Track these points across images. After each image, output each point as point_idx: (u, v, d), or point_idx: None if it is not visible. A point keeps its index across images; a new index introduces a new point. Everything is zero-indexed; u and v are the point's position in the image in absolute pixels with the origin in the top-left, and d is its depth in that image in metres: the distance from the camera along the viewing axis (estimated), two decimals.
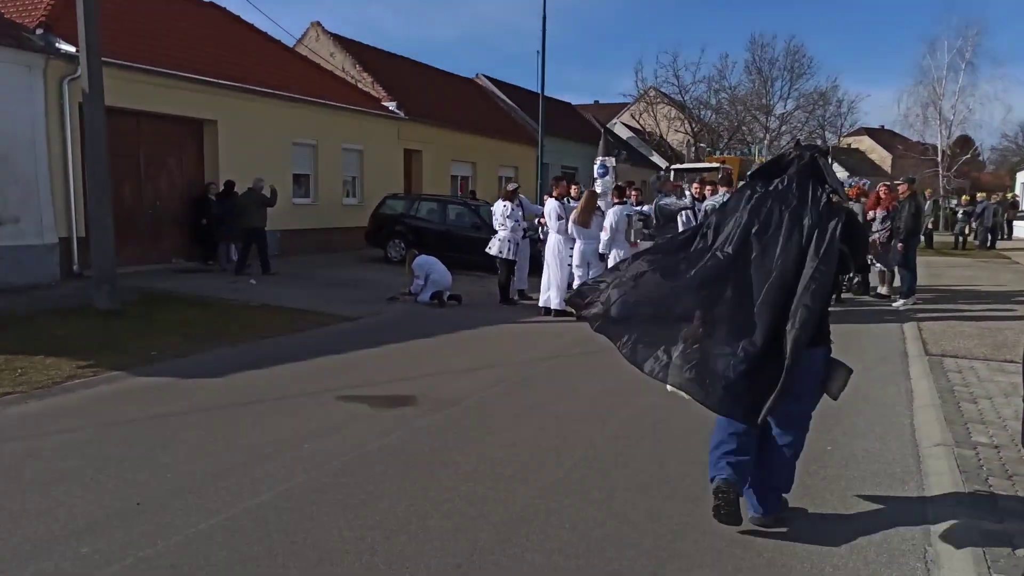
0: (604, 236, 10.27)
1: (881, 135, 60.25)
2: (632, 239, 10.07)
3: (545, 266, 10.48)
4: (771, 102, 41.38)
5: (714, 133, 39.13)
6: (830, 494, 4.14)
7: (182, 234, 14.51)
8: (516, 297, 11.89)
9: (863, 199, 12.50)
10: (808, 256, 3.29)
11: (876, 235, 11.73)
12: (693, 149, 29.07)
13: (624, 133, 43.10)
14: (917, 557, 3.44)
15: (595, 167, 10.98)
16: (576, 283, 10.14)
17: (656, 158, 40.06)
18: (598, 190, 10.88)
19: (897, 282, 11.93)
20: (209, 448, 4.83)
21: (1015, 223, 29.36)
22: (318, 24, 22.46)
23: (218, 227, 14.04)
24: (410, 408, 5.80)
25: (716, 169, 18.40)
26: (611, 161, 10.91)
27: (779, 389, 3.19)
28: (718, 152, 30.83)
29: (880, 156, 60.04)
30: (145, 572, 3.24)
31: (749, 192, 3.54)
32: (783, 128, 42.23)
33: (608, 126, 41.46)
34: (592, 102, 50.39)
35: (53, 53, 10.96)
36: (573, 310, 9.72)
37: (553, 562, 3.34)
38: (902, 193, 11.60)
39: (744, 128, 40.21)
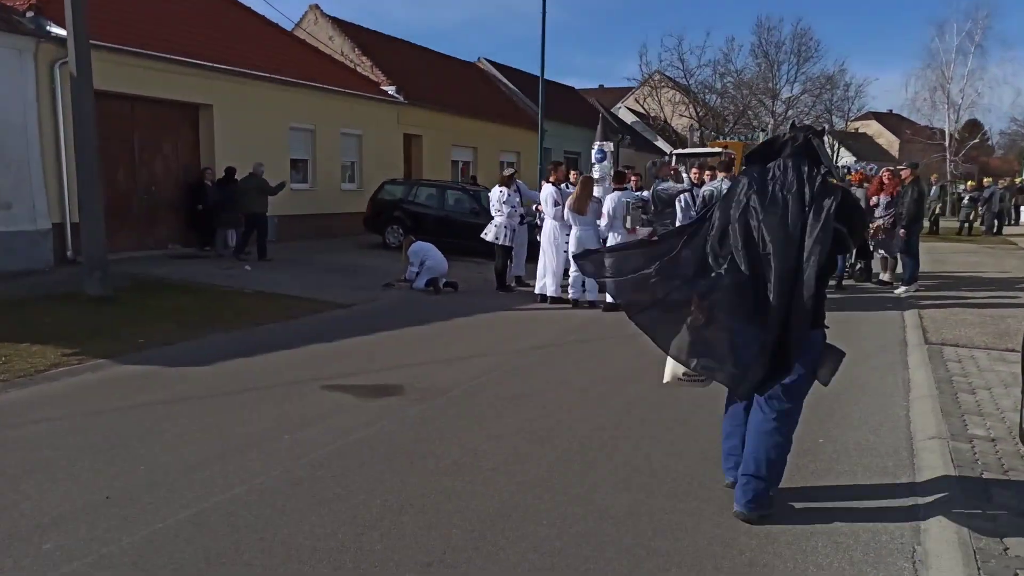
0: (602, 222, 10.11)
1: (889, 119, 59.64)
2: (629, 225, 9.90)
3: (541, 253, 10.34)
4: (777, 86, 40.94)
5: (719, 117, 38.72)
6: (818, 488, 4.02)
7: (178, 220, 14.39)
8: (513, 284, 11.78)
9: (866, 184, 12.31)
10: (806, 236, 3.31)
11: (880, 221, 11.54)
12: (697, 134, 28.72)
13: (628, 118, 42.73)
14: (905, 557, 3.32)
15: (593, 152, 10.79)
16: (572, 270, 10.02)
17: (661, 143, 39.71)
18: (596, 175, 10.69)
19: (900, 269, 11.76)
20: (188, 439, 4.74)
21: (1023, 208, 29.03)
22: (316, 7, 22.22)
23: (218, 213, 13.94)
24: (396, 398, 5.70)
25: (719, 154, 18.18)
26: (609, 146, 10.71)
27: (775, 366, 3.30)
28: (723, 137, 30.50)
29: (888, 141, 59.46)
30: (106, 569, 3.15)
31: (747, 178, 3.54)
32: (789, 112, 41.77)
33: (612, 110, 41.14)
34: (597, 86, 50.01)
35: (44, 36, 10.82)
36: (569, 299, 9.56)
37: (527, 561, 3.24)
38: (905, 178, 11.40)
39: (750, 112, 39.79)
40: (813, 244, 3.29)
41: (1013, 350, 7.07)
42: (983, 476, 4.06)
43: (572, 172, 11.37)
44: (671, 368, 3.84)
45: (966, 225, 24.11)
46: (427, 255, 11.25)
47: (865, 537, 3.48)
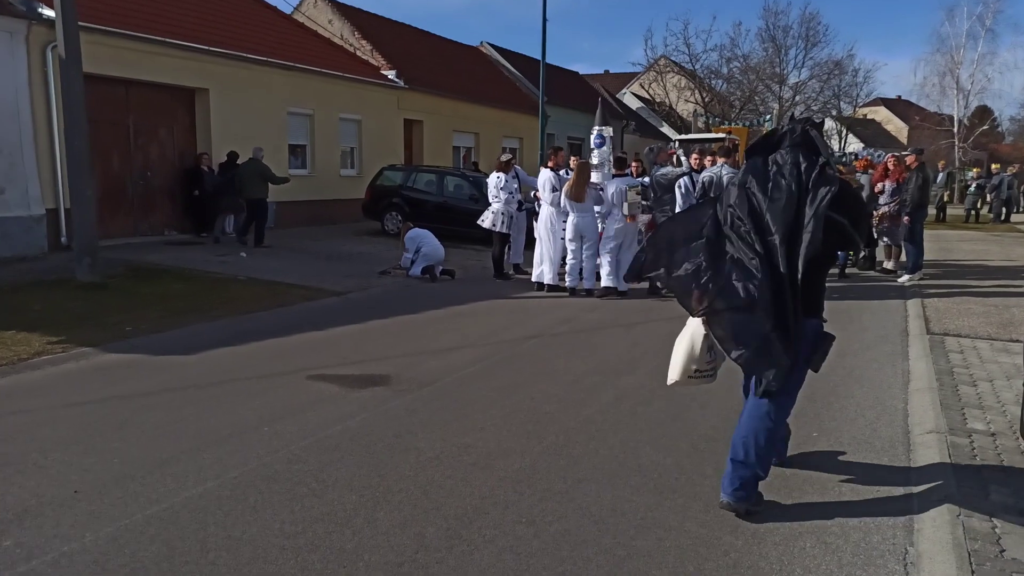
0: (600, 208, 9.95)
1: (897, 105, 59.05)
2: (627, 212, 9.73)
3: (537, 240, 10.18)
4: (785, 71, 40.52)
5: (725, 103, 38.36)
6: (809, 485, 3.88)
7: (174, 206, 14.28)
8: (511, 271, 11.63)
9: (870, 171, 12.09)
10: (802, 225, 3.34)
11: (885, 208, 11.34)
12: (702, 119, 28.40)
13: (634, 103, 42.39)
14: (897, 559, 3.19)
15: (591, 137, 10.59)
16: (569, 258, 9.86)
17: (666, 128, 39.40)
18: (595, 161, 10.50)
19: (904, 257, 11.56)
20: (164, 431, 4.63)
21: None
22: None
23: (219, 198, 13.83)
24: (382, 389, 5.58)
25: (722, 139, 17.97)
26: (608, 131, 10.51)
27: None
28: (730, 123, 30.19)
29: (896, 127, 58.89)
30: (65, 569, 3.04)
31: (748, 170, 3.59)
32: (797, 98, 41.39)
33: (617, 96, 40.80)
34: (602, 72, 49.62)
35: (35, 19, 10.66)
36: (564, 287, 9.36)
37: (501, 562, 3.11)
38: (910, 164, 11.18)
39: (757, 98, 39.40)
40: (805, 233, 3.31)
41: (1017, 340, 6.91)
42: (981, 473, 3.92)
43: (572, 158, 11.19)
44: (682, 366, 3.75)
45: (972, 212, 23.80)
46: (423, 242, 11.11)
47: (856, 537, 3.35)
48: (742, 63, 38.82)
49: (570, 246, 9.81)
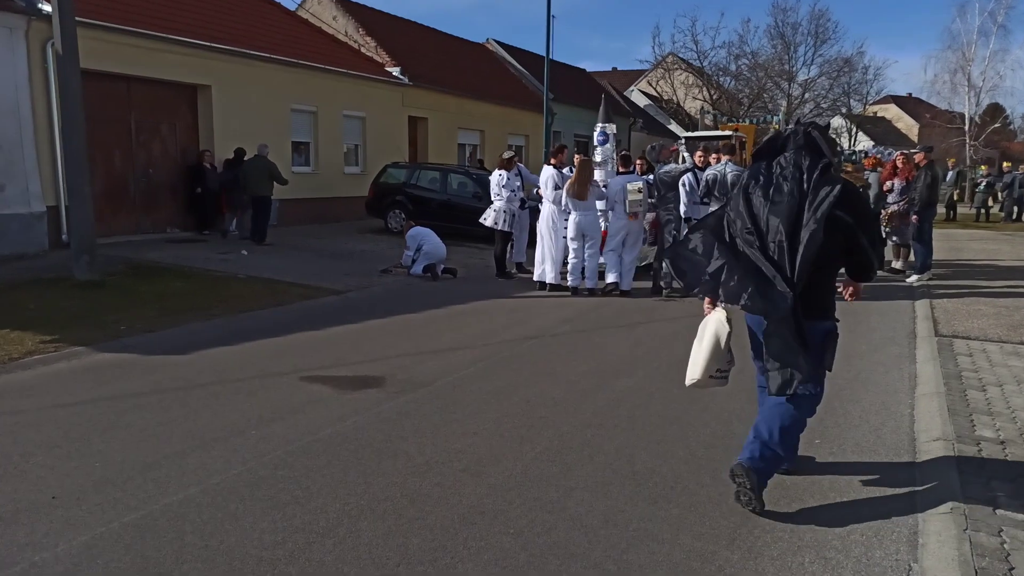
0: (602, 206, 9.84)
1: (908, 103, 58.57)
2: (628, 210, 9.60)
3: (539, 238, 10.05)
4: (794, 68, 40.23)
5: (734, 100, 38.12)
6: (810, 495, 3.74)
7: (176, 203, 14.22)
8: (513, 270, 11.51)
9: (879, 169, 11.90)
10: (804, 224, 3.37)
11: (894, 206, 11.16)
12: (709, 116, 28.18)
13: (641, 100, 42.17)
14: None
15: (595, 134, 10.45)
16: (571, 257, 9.73)
17: (674, 126, 39.17)
18: (598, 158, 10.37)
19: (913, 257, 11.37)
20: (151, 434, 4.53)
21: None
22: None
23: (228, 194, 13.80)
24: (375, 391, 5.46)
25: (729, 137, 17.77)
26: (611, 128, 10.37)
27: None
28: (737, 120, 29.95)
29: (907, 125, 58.41)
30: None
31: (754, 174, 3.64)
32: (806, 95, 41.12)
33: (625, 93, 40.60)
34: (610, 69, 49.39)
35: (35, 14, 10.59)
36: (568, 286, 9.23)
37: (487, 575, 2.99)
38: (919, 162, 10.99)
39: (765, 95, 39.14)
40: (804, 231, 3.34)
41: None
42: (990, 484, 3.77)
43: (577, 156, 11.05)
44: (705, 365, 3.73)
45: (982, 211, 23.50)
46: (424, 240, 10.99)
47: (857, 552, 3.21)
48: (750, 60, 38.60)
49: (572, 245, 9.68)
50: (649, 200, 10.10)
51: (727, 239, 3.59)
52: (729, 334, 3.67)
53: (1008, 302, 9.16)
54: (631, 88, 43.34)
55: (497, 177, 10.83)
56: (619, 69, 48.78)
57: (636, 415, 4.94)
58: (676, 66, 38.42)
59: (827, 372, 3.59)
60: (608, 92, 33.76)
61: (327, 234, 15.34)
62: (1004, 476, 3.87)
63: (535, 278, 10.23)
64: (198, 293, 9.17)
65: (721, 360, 3.72)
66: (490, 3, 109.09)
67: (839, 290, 3.70)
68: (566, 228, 9.75)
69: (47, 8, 10.73)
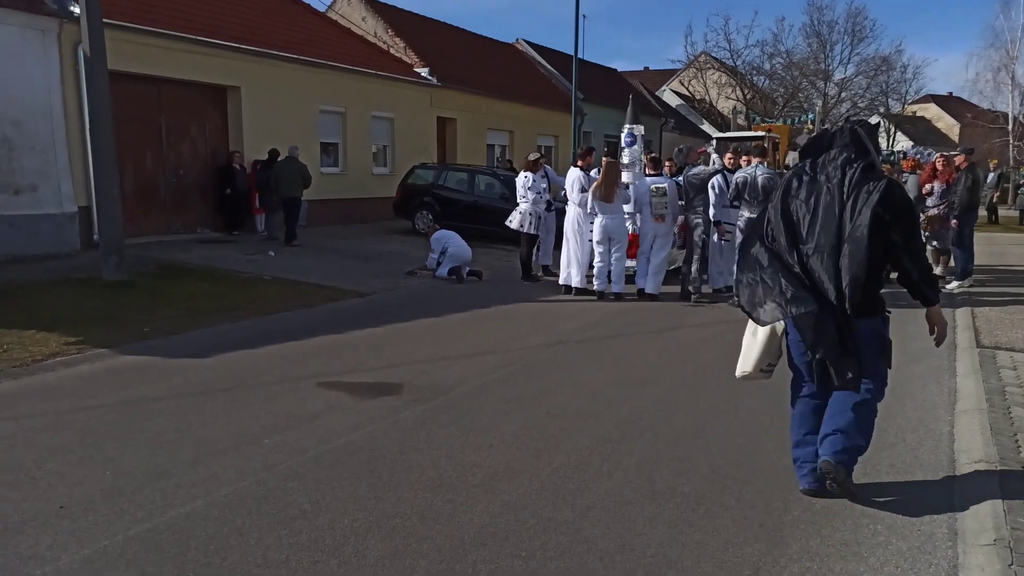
0: (628, 208, 9.66)
1: (949, 102, 57.14)
2: (654, 212, 9.40)
3: (564, 241, 9.90)
4: (830, 67, 39.50)
5: (768, 100, 37.52)
6: (840, 520, 3.54)
7: (207, 204, 14.33)
8: (539, 273, 11.37)
9: (918, 171, 11.52)
10: (848, 224, 3.39)
11: (934, 210, 10.78)
12: (741, 116, 27.72)
13: (673, 100, 41.72)
14: None
15: (622, 135, 10.26)
16: (597, 260, 9.56)
17: (706, 126, 38.69)
18: (625, 160, 10.16)
19: (953, 262, 10.99)
20: (165, 440, 4.48)
21: None
22: None
23: (263, 195, 13.90)
24: (392, 398, 5.36)
25: (762, 138, 17.43)
26: (639, 129, 10.15)
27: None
28: (772, 120, 29.44)
29: (947, 124, 57.00)
30: None
31: (799, 172, 3.62)
32: (843, 95, 40.35)
33: (657, 93, 40.19)
34: (642, 68, 48.95)
35: (67, 17, 10.70)
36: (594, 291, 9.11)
37: None
38: (959, 164, 10.60)
39: (800, 95, 38.48)
40: (851, 230, 3.37)
41: None
42: None
43: (604, 158, 10.87)
44: (757, 359, 3.82)
45: None
46: (449, 242, 10.91)
47: None
48: (785, 59, 37.99)
49: (598, 248, 9.50)
50: (680, 202, 9.89)
51: (768, 240, 3.63)
52: (783, 330, 3.73)
53: None
54: (663, 88, 42.90)
55: (523, 179, 10.70)
56: (651, 69, 48.35)
57: (659, 427, 4.76)
58: (709, 65, 37.95)
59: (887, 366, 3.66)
60: (639, 92, 33.45)
61: (355, 235, 15.34)
62: None
63: (561, 282, 10.08)
64: (224, 294, 9.18)
65: (773, 355, 3.80)
66: (522, 3, 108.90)
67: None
68: (592, 231, 9.58)
69: (78, 10, 10.87)
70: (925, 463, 4.27)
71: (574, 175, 9.92)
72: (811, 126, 23.99)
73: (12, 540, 3.26)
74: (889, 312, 3.64)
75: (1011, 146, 32.93)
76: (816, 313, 3.43)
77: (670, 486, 3.87)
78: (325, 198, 15.95)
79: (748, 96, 36.55)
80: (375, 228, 16.55)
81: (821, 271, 3.42)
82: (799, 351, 3.72)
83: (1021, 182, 24.26)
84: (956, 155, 11.08)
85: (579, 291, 9.78)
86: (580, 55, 20.31)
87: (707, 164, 9.61)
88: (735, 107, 32.19)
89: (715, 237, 9.55)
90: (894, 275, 3.72)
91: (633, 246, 10.09)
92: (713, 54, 37.76)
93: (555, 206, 11.31)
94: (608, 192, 9.26)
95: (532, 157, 10.90)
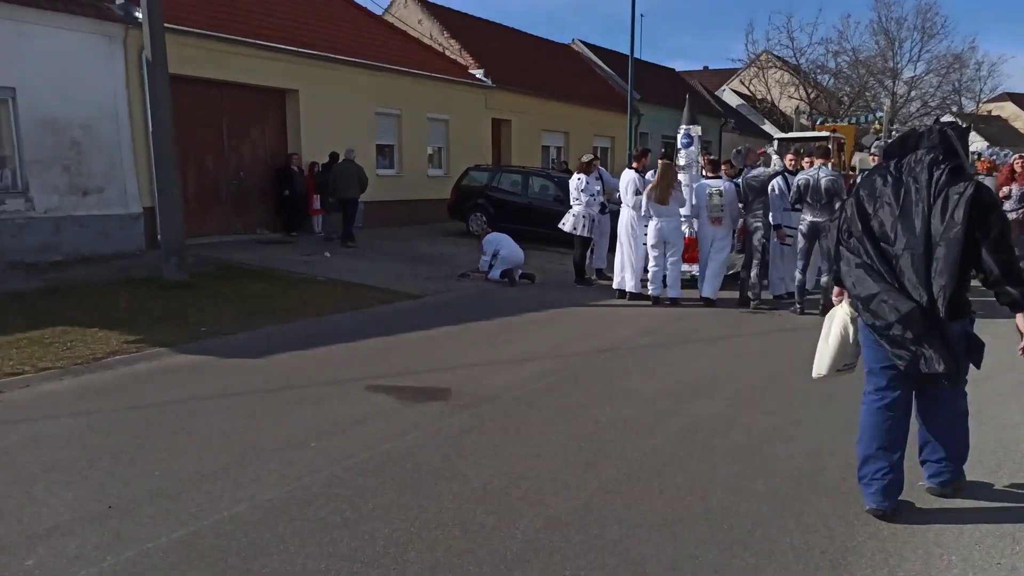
0: (685, 211, 9.44)
1: None
2: (709, 215, 9.14)
3: (618, 245, 9.71)
4: (898, 65, 38.11)
5: (832, 99, 36.41)
6: (911, 550, 3.30)
7: (266, 205, 14.59)
8: (593, 277, 11.21)
9: (995, 174, 10.94)
10: (937, 227, 3.31)
11: (1012, 214, 10.22)
12: (804, 116, 26.93)
13: (734, 100, 40.88)
14: None
15: (678, 136, 10.02)
16: (651, 264, 9.34)
17: (768, 127, 37.77)
18: (681, 162, 9.93)
19: None
20: (213, 442, 4.51)
21: None
22: None
23: (321, 197, 14.14)
24: (439, 404, 5.30)
25: (826, 138, 16.86)
26: (696, 130, 9.90)
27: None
28: (836, 120, 28.53)
29: None
30: None
31: (883, 172, 3.54)
32: (912, 93, 38.90)
33: (717, 93, 39.46)
34: (701, 68, 48.13)
35: (132, 23, 11.01)
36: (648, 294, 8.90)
37: None
38: None
39: (867, 94, 37.24)
40: (944, 232, 3.28)
41: None
42: None
43: (661, 160, 10.65)
44: (831, 360, 3.82)
45: None
46: (501, 245, 10.84)
47: None
48: (851, 57, 36.80)
49: (652, 252, 9.29)
50: (739, 205, 9.61)
51: (847, 242, 3.58)
52: (855, 330, 3.71)
53: None
54: (722, 88, 42.07)
55: (576, 181, 10.55)
56: (710, 68, 47.49)
57: (713, 443, 4.57)
58: (771, 64, 37.05)
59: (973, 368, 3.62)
60: (697, 92, 32.88)
61: (409, 236, 15.42)
62: None
63: (614, 286, 9.89)
64: (279, 296, 9.29)
65: (848, 355, 3.78)
66: (579, 3, 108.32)
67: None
68: (646, 235, 9.37)
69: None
70: (1004, 488, 3.97)
71: (628, 177, 9.72)
72: (879, 126, 23.14)
73: (62, 540, 3.30)
74: (975, 312, 3.52)
75: None
76: (918, 311, 3.31)
77: (725, 506, 3.68)
78: (381, 200, 16.08)
79: (812, 95, 35.54)
80: (429, 230, 16.61)
81: (911, 272, 3.34)
82: (878, 356, 3.53)
83: None
84: None
85: (633, 296, 9.58)
86: (637, 55, 20.05)
87: (767, 166, 9.27)
88: (798, 107, 31.31)
89: (775, 241, 9.24)
90: (973, 282, 3.49)
91: (690, 250, 9.85)
92: (775, 52, 36.86)
93: (609, 208, 11.12)
94: (663, 194, 9.04)
95: (585, 159, 10.74)
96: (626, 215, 9.62)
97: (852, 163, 18.87)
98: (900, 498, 3.59)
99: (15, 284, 9.15)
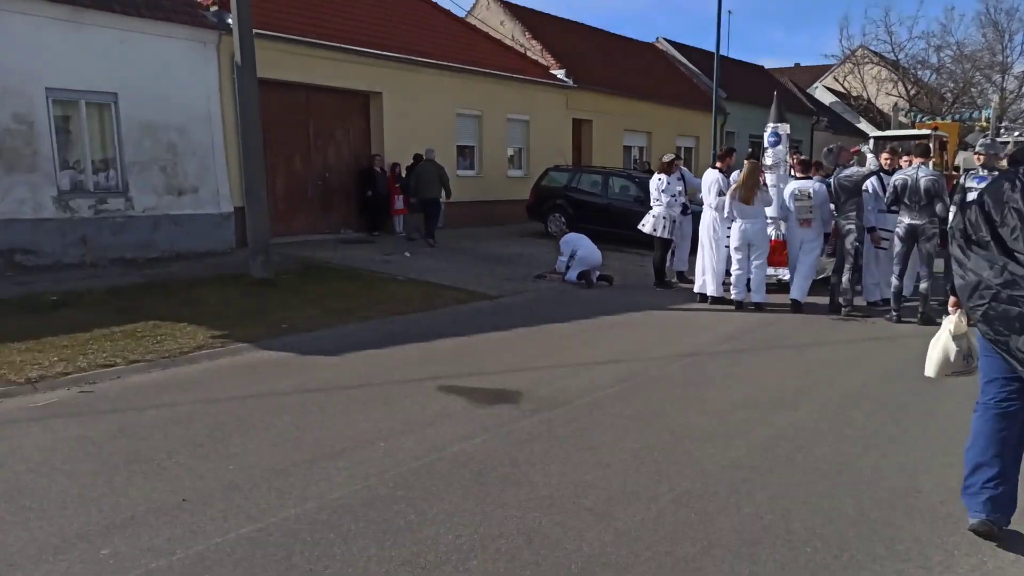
0: (771, 211, 9.06)
1: None
2: (797, 216, 8.73)
3: (699, 247, 9.40)
4: (1008, 59, 35.66)
5: (934, 95, 34.43)
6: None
7: (349, 205, 14.90)
8: (673, 280, 10.92)
9: None
10: None
11: None
12: (903, 113, 25.54)
13: (827, 98, 39.26)
14: None
15: (765, 135, 9.62)
16: (735, 268, 9.00)
17: (864, 125, 36.09)
18: (768, 161, 9.53)
19: None
20: (286, 438, 4.56)
21: None
22: None
23: (408, 198, 14.39)
24: (509, 407, 5.21)
25: (926, 137, 15.91)
26: (784, 128, 9.48)
27: None
28: (938, 118, 26.98)
29: None
30: None
31: (1011, 177, 3.29)
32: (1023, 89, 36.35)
33: (808, 90, 38.02)
34: (792, 65, 46.47)
35: (225, 29, 11.42)
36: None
37: None
38: None
39: (973, 90, 35.03)
40: None
41: None
42: None
43: (746, 160, 10.27)
44: (936, 369, 3.78)
45: None
46: (578, 245, 10.69)
47: None
48: (955, 51, 34.66)
49: (735, 255, 8.94)
50: (830, 207, 9.15)
51: (968, 250, 3.34)
52: (967, 342, 3.65)
53: None
54: (815, 84, 40.45)
55: (656, 181, 10.29)
56: (802, 65, 45.76)
57: (797, 459, 4.30)
58: (867, 59, 35.34)
59: None
60: (787, 89, 31.76)
61: (488, 237, 15.45)
62: None
63: (696, 289, 9.59)
64: (358, 294, 9.44)
65: (959, 365, 3.73)
66: (666, 2, 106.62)
67: None
68: (728, 237, 9.03)
69: None
70: None
71: (712, 177, 9.40)
72: (985, 124, 21.71)
73: (137, 531, 3.38)
74: None
75: None
76: None
77: (808, 527, 3.44)
78: (460, 200, 16.14)
79: (912, 92, 33.71)
80: (508, 230, 16.61)
81: None
82: (999, 367, 3.23)
83: None
84: None
85: (715, 300, 9.26)
86: (724, 52, 19.49)
87: (861, 165, 8.78)
88: (896, 104, 29.75)
89: (869, 245, 8.75)
90: None
91: (777, 253, 9.45)
92: (872, 47, 35.15)
93: (691, 209, 10.81)
94: (748, 194, 8.69)
95: (666, 159, 10.47)
96: (708, 216, 9.31)
97: (956, 162, 17.75)
98: (1011, 528, 3.27)
99: (115, 279, 9.63)
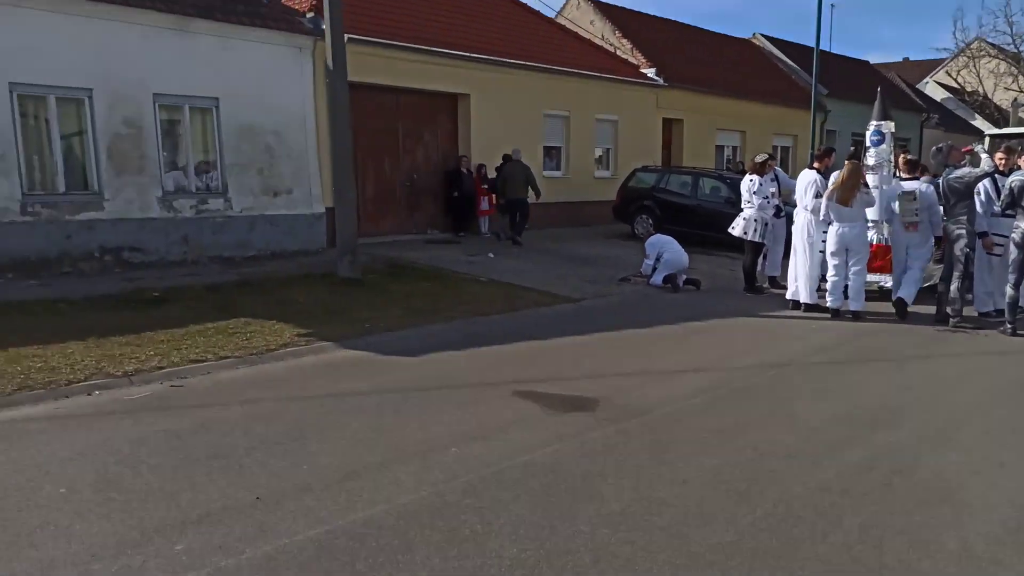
0: (872, 214, 8.56)
1: None
2: (903, 219, 8.18)
3: (792, 251, 8.97)
4: None
5: None
6: None
7: (436, 206, 15.07)
8: (765, 285, 10.48)
9: None
10: None
11: None
12: (1023, 109, 23.70)
13: (938, 94, 37.01)
14: None
15: (868, 133, 9.08)
16: (831, 274, 8.53)
17: (979, 122, 33.81)
18: (870, 161, 8.99)
19: None
20: (360, 439, 4.60)
21: None
22: None
23: (497, 199, 14.47)
24: (585, 415, 5.08)
25: None
26: (888, 126, 8.91)
27: None
28: None
29: None
30: None
31: None
32: None
33: (918, 86, 35.95)
34: (900, 60, 44.09)
35: (319, 35, 11.73)
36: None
37: None
38: None
39: None
40: None
41: None
42: None
43: (847, 162, 9.75)
44: None
45: None
46: (664, 248, 10.41)
47: None
48: None
49: (832, 260, 8.46)
50: (939, 210, 8.56)
51: None
52: None
53: None
54: (925, 80, 38.24)
55: (748, 183, 9.89)
56: (911, 59, 43.34)
57: (895, 483, 3.98)
58: (983, 52, 33.09)
59: None
60: (893, 85, 30.11)
61: (574, 238, 15.30)
62: None
63: (788, 296, 9.16)
64: (441, 294, 9.50)
65: None
66: None
67: None
68: (824, 241, 8.56)
69: None
70: None
71: (808, 178, 8.94)
72: None
73: (210, 528, 3.45)
74: None
75: None
76: None
77: (904, 562, 3.16)
78: (547, 201, 16.04)
79: None
80: (595, 232, 16.39)
81: None
82: None
83: None
84: None
85: (810, 307, 8.81)
86: (826, 47, 18.65)
87: (975, 165, 8.15)
88: (1015, 99, 27.67)
89: (982, 251, 8.12)
90: None
91: (879, 258, 8.91)
92: (989, 39, 32.86)
93: (785, 212, 10.34)
94: (847, 195, 8.20)
95: (759, 159, 10.05)
96: (802, 219, 8.86)
97: None
98: None
99: (213, 277, 10.05)
